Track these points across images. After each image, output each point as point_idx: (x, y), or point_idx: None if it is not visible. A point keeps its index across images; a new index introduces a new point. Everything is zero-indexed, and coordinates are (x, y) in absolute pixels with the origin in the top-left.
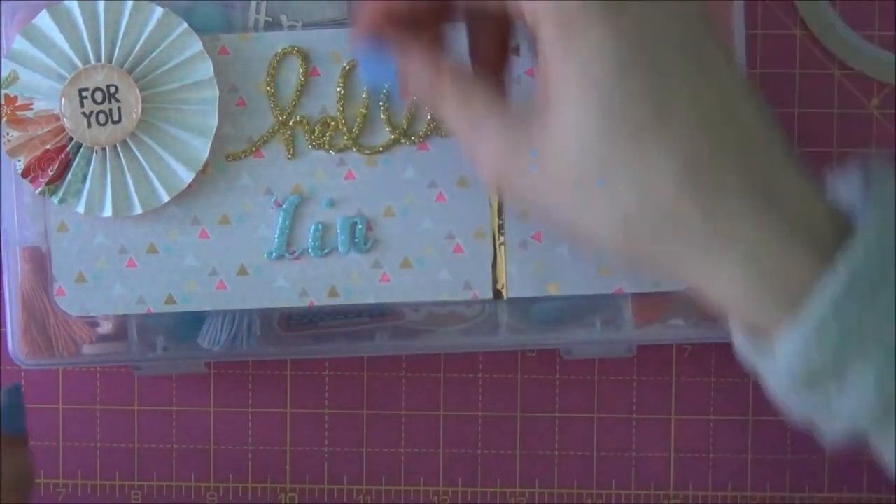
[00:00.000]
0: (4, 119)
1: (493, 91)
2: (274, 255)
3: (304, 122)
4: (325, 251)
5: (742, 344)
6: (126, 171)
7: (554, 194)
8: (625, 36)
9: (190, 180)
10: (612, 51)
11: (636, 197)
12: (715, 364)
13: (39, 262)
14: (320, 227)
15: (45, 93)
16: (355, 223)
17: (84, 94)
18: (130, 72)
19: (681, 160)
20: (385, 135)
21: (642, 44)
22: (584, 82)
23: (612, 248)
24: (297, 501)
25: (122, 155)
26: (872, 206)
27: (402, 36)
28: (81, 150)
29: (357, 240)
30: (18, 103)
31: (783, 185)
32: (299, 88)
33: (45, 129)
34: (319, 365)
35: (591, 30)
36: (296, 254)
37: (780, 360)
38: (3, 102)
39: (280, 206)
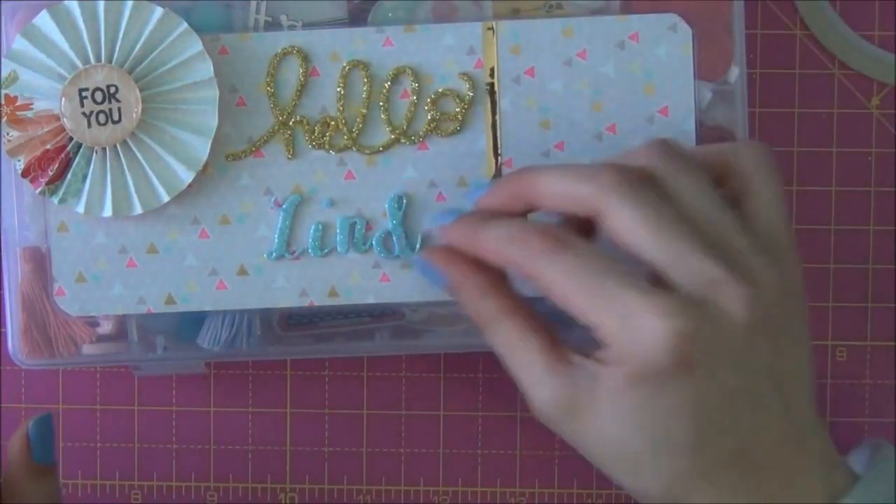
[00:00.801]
0: (4, 119)
1: (552, 337)
2: (274, 255)
3: (304, 122)
4: (325, 251)
5: None
6: (126, 171)
7: (593, 455)
8: (684, 395)
9: (190, 180)
10: (670, 406)
11: (659, 490)
12: None
13: (39, 262)
14: (320, 227)
15: (45, 93)
16: (354, 223)
17: (84, 94)
18: (130, 72)
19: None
20: (385, 135)
21: (700, 402)
22: (638, 411)
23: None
24: (297, 501)
25: (122, 155)
26: (869, 479)
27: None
28: (81, 150)
29: (356, 240)
30: (18, 103)
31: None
32: (299, 88)
33: (45, 129)
34: (319, 365)
35: (661, 386)
36: (296, 253)
37: None
38: (3, 102)
39: (280, 205)
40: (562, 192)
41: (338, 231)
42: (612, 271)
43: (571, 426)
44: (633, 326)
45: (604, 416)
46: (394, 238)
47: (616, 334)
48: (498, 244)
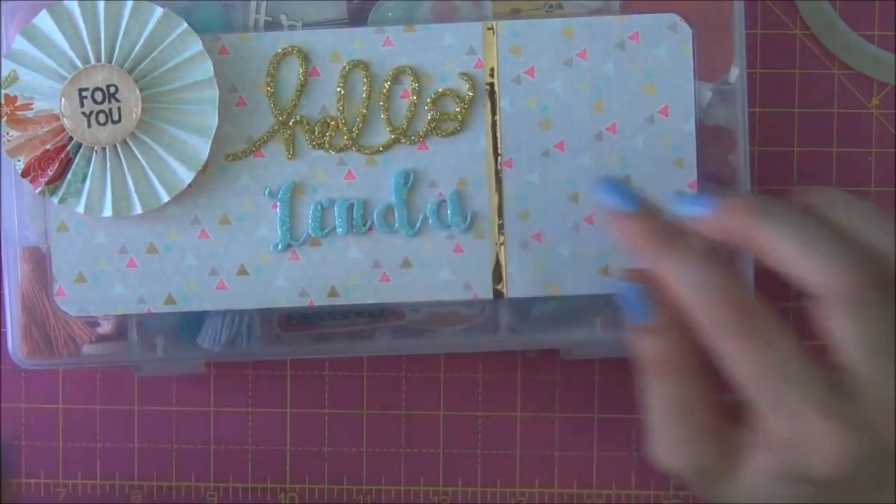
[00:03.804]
0: (4, 119)
1: (714, 399)
2: (280, 246)
3: (304, 121)
4: (325, 231)
5: None
6: (126, 170)
7: None
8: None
9: (190, 180)
10: None
11: None
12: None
13: (39, 262)
14: (320, 206)
15: (45, 93)
16: (352, 205)
17: (84, 93)
18: (130, 72)
19: None
20: (385, 134)
21: None
22: (777, 499)
23: None
24: (297, 501)
25: (121, 155)
26: None
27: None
28: (81, 149)
29: (355, 220)
30: (18, 103)
31: None
32: (299, 88)
33: (45, 129)
34: (319, 365)
35: (814, 489)
36: (300, 240)
37: None
38: (2, 102)
39: (275, 198)
40: (793, 269)
41: (336, 214)
42: (791, 373)
43: (702, 486)
44: (805, 436)
45: (739, 491)
46: (395, 213)
47: (783, 434)
48: (681, 286)
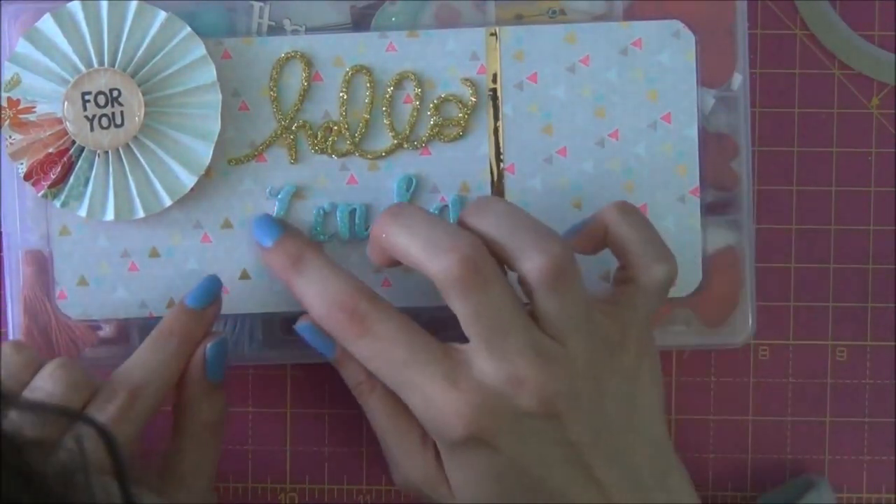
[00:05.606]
0: (7, 122)
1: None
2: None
3: (307, 126)
4: (327, 235)
5: None
6: (128, 174)
7: None
8: (495, 468)
9: (192, 184)
10: (488, 476)
11: None
12: (715, 364)
13: (41, 266)
14: (322, 210)
15: (48, 96)
16: (354, 210)
17: (87, 97)
18: (133, 76)
19: None
20: (387, 140)
21: (509, 476)
22: (459, 474)
23: None
24: (297, 501)
25: (124, 159)
26: None
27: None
28: (84, 153)
29: (357, 224)
30: (21, 106)
31: None
32: (302, 93)
33: (48, 133)
34: (319, 364)
35: (475, 457)
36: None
37: None
38: (5, 105)
39: (276, 196)
40: (413, 263)
41: (338, 219)
42: (413, 360)
43: (437, 495)
44: (435, 409)
45: (451, 485)
46: None
47: (422, 414)
48: (311, 304)
